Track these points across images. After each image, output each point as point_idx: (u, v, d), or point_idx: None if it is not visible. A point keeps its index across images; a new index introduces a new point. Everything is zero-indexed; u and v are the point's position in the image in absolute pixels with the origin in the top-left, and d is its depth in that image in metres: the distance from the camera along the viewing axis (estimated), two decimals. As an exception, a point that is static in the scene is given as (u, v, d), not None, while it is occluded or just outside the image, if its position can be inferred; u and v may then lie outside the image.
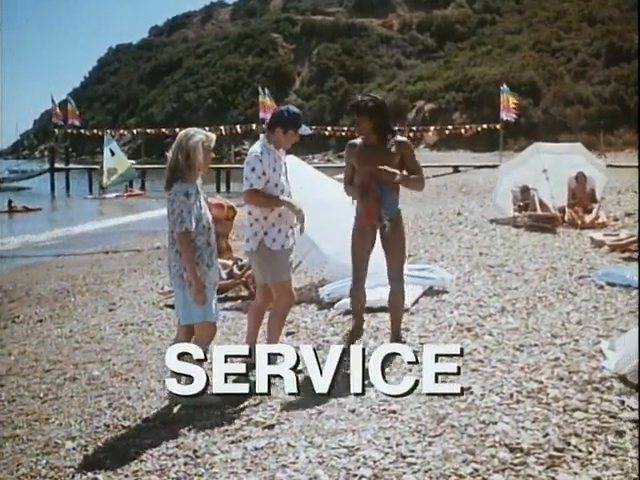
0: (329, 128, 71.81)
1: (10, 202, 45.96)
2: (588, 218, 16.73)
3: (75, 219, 39.95)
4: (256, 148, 7.08)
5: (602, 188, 18.64)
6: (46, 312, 13.85)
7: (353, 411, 6.10)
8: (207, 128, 49.14)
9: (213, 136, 6.78)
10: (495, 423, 5.47)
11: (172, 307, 12.27)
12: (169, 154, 6.63)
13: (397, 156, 7.26)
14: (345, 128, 75.60)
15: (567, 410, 5.61)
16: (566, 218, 17.02)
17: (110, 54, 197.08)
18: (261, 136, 7.27)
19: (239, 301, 11.81)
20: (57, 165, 70.22)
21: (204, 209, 6.67)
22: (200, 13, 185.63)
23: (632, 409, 5.57)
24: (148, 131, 70.32)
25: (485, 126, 61.02)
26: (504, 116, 54.59)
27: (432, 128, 75.40)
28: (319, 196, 11.26)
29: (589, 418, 5.44)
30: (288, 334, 8.99)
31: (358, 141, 7.47)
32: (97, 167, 62.15)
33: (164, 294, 13.60)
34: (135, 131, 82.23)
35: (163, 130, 71.12)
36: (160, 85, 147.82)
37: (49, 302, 15.07)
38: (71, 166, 72.05)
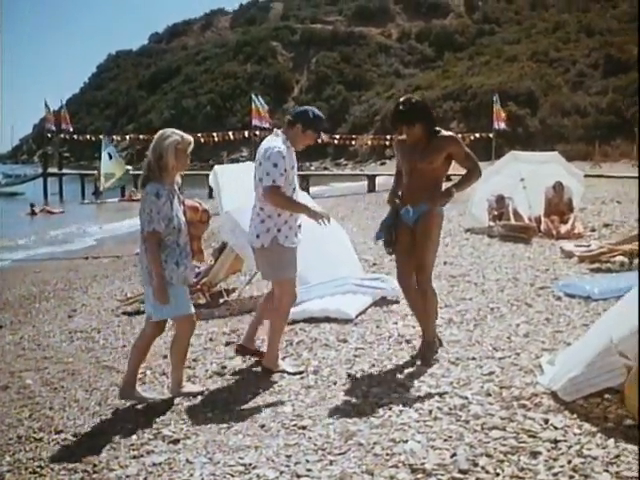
0: (327, 136, 71.34)
1: (32, 205, 46.72)
2: (564, 228, 16.47)
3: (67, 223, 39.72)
4: (277, 144, 6.99)
5: (580, 198, 18.39)
6: (9, 318, 13.66)
7: (263, 426, 5.87)
8: (199, 135, 49.10)
9: (189, 138, 6.66)
10: (405, 441, 5.18)
11: (129, 314, 12.12)
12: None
13: (441, 153, 7.11)
14: (342, 136, 75.65)
15: (485, 428, 5.32)
16: (542, 228, 16.77)
17: (110, 60, 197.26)
18: (278, 132, 7.23)
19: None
20: (50, 170, 69.75)
21: (176, 210, 6.59)
22: (200, 20, 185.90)
23: (555, 428, 5.27)
24: (141, 137, 69.69)
25: (478, 135, 60.71)
26: (497, 125, 54.34)
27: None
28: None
29: (506, 437, 5.14)
30: (228, 343, 8.79)
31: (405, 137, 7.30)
32: (91, 172, 62.03)
33: (122, 301, 13.38)
34: (128, 137, 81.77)
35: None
36: (159, 92, 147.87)
37: (14, 308, 14.90)
38: (64, 171, 71.48)
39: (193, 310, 6.93)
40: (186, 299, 6.83)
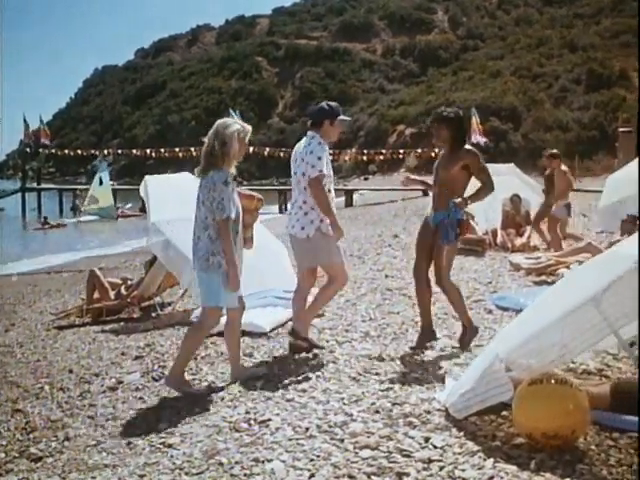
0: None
1: (45, 218, 47.01)
2: (519, 241, 16.20)
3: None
4: (314, 141, 7.47)
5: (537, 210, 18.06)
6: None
7: (129, 444, 5.56)
8: (178, 149, 48.99)
9: (249, 128, 6.90)
10: (270, 461, 4.87)
11: (61, 328, 11.78)
12: (205, 141, 6.78)
13: (459, 163, 7.58)
14: (330, 152, 75.44)
15: (357, 447, 4.98)
16: (498, 241, 16.50)
17: (96, 75, 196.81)
18: (310, 133, 7.59)
19: (122, 323, 11.25)
20: (29, 185, 69.24)
21: (236, 198, 6.79)
22: (186, 36, 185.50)
23: (434, 447, 4.98)
24: (120, 151, 69.79)
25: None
26: (475, 139, 54.14)
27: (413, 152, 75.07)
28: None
29: (376, 457, 4.83)
30: (137, 357, 8.50)
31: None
32: (70, 188, 61.53)
33: (56, 314, 13.07)
34: (106, 151, 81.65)
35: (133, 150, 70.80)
36: (144, 107, 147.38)
37: (-41, 320, 14.50)
38: (43, 186, 70.94)
39: (236, 303, 7.00)
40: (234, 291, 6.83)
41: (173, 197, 11.16)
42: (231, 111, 56.31)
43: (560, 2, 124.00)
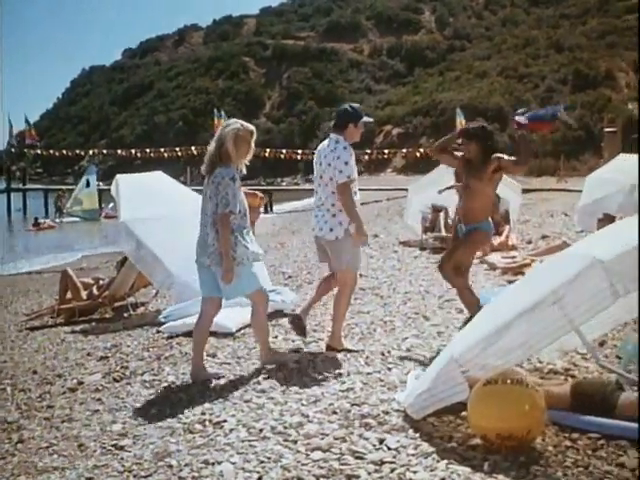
0: (299, 151, 71.29)
1: (36, 219, 46.54)
2: (498, 240, 16.07)
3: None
4: (340, 145, 7.49)
5: (517, 210, 18.03)
6: None
7: (81, 446, 5.46)
8: (163, 150, 48.90)
9: (250, 127, 7.07)
10: (220, 463, 4.78)
11: (32, 329, 11.68)
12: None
13: (488, 167, 7.84)
14: (314, 152, 75.38)
15: (308, 449, 4.90)
16: (476, 240, 16.38)
17: (83, 75, 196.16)
18: (334, 136, 7.60)
19: (93, 323, 11.14)
20: (14, 186, 68.93)
21: (242, 195, 6.99)
22: (173, 36, 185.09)
23: (388, 449, 4.89)
24: (105, 152, 69.67)
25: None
26: (460, 140, 54.03)
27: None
28: (172, 210, 10.74)
29: (327, 459, 4.75)
30: (102, 358, 8.39)
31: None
32: (55, 188, 61.15)
33: (28, 315, 12.97)
34: (91, 152, 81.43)
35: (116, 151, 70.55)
36: (131, 107, 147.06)
37: None
38: (27, 186, 70.63)
39: (264, 283, 7.24)
40: (257, 274, 7.08)
41: (145, 196, 11.10)
42: (215, 111, 56.35)
43: (546, 2, 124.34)
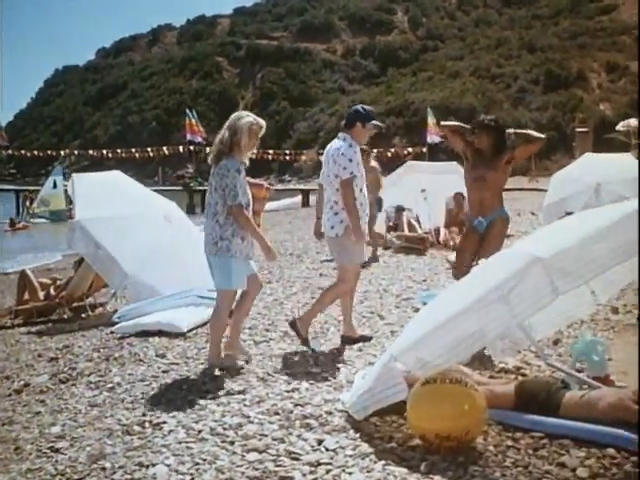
0: (272, 152, 71.03)
1: (12, 219, 45.57)
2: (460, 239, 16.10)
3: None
4: (345, 143, 7.67)
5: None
6: None
7: (17, 449, 5.39)
8: (134, 150, 48.52)
9: (263, 122, 7.15)
10: (154, 465, 4.72)
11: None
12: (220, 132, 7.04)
13: (502, 157, 7.83)
14: (287, 152, 75.28)
15: (244, 450, 4.84)
16: (441, 239, 16.44)
17: (57, 76, 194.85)
18: (341, 134, 7.80)
19: (49, 324, 11.00)
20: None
21: (247, 187, 7.02)
22: (147, 36, 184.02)
23: (326, 450, 4.86)
24: (77, 152, 69.27)
25: (410, 149, 60.67)
26: (430, 139, 54.20)
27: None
28: (129, 210, 10.65)
29: (263, 460, 4.71)
30: (51, 359, 8.27)
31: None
32: (24, 189, 60.70)
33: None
34: (63, 152, 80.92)
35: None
36: (105, 107, 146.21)
37: None
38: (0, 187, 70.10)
39: (242, 286, 7.15)
40: (240, 274, 7.05)
41: (101, 196, 11.00)
42: (187, 111, 56.21)
43: (519, 3, 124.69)
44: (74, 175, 11.69)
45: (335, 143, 7.80)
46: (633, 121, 43.05)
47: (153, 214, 11.07)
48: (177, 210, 11.91)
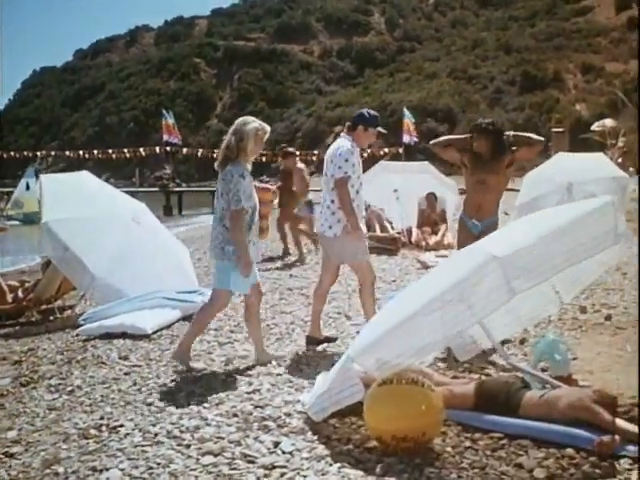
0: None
1: None
2: (433, 239, 16.15)
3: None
4: (345, 143, 7.68)
5: (453, 208, 18.00)
6: None
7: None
8: (111, 151, 48.29)
9: (267, 127, 7.22)
10: (108, 469, 4.68)
11: None
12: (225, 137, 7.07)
13: (504, 159, 7.84)
14: (266, 153, 75.08)
15: (200, 453, 4.80)
16: (413, 239, 16.44)
17: (34, 77, 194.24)
18: (343, 135, 7.85)
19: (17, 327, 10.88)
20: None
21: (253, 191, 7.04)
22: (124, 37, 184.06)
23: (283, 452, 4.83)
24: (53, 153, 69.00)
25: (387, 150, 60.69)
26: (406, 139, 54.27)
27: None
28: (96, 211, 10.55)
29: (217, 463, 4.68)
30: (16, 362, 8.16)
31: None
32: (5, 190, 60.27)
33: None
34: (39, 153, 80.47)
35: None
36: (83, 108, 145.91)
37: None
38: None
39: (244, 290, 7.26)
40: (248, 280, 7.09)
41: (69, 197, 10.87)
42: (164, 112, 56.01)
43: (495, 5, 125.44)
44: (42, 176, 11.58)
45: (335, 143, 7.84)
46: (608, 121, 43.40)
47: (121, 215, 10.96)
48: (146, 211, 11.77)
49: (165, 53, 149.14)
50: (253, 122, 7.04)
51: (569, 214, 5.39)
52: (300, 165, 15.16)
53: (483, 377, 6.15)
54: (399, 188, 17.50)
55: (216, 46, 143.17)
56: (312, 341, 7.89)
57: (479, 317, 4.92)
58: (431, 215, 17.06)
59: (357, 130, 7.75)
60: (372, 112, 7.95)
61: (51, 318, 11.27)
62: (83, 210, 10.68)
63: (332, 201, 7.69)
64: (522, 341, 7.56)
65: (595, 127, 43.19)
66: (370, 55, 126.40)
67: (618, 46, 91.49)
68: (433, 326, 4.81)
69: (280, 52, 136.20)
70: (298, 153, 19.52)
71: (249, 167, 7.08)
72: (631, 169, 30.01)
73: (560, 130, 55.97)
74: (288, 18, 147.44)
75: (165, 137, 54.78)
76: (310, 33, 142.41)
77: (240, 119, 7.14)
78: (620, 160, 27.65)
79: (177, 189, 55.78)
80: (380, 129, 7.93)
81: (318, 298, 8.08)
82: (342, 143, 7.71)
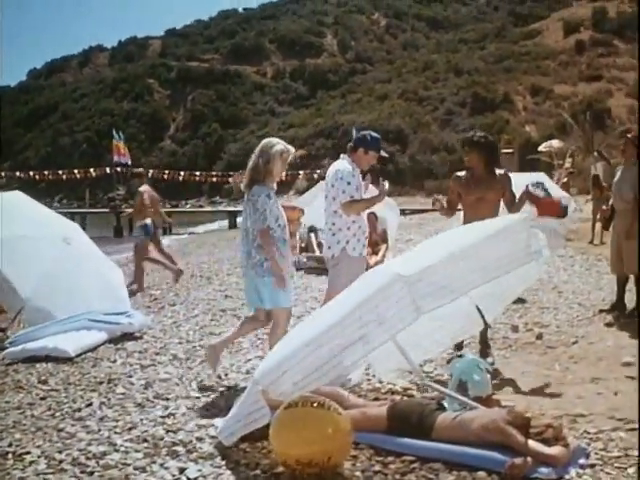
0: (197, 173, 70.68)
1: None
2: (373, 259, 16.03)
3: None
4: (346, 165, 7.75)
5: (395, 228, 18.04)
6: None
7: None
8: (61, 172, 47.72)
9: (292, 149, 7.39)
10: None
11: None
12: (251, 159, 7.22)
13: (497, 185, 7.81)
14: (219, 174, 74.89)
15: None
16: (353, 260, 16.35)
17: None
18: (343, 156, 7.95)
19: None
20: None
21: (280, 210, 7.20)
22: (79, 57, 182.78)
23: (188, 479, 4.75)
24: (3, 174, 68.26)
25: (319, 171, 61.06)
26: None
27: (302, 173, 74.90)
28: (27, 231, 10.37)
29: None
30: None
31: (462, 173, 8.00)
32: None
33: None
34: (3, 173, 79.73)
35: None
36: (36, 129, 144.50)
37: None
38: None
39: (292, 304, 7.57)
40: (291, 291, 7.51)
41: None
42: (114, 132, 55.60)
43: (446, 28, 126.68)
44: (-9, 193, 11.41)
45: (335, 165, 7.91)
46: (555, 142, 43.90)
47: (52, 236, 10.79)
48: (78, 232, 11.64)
49: (119, 73, 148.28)
50: (278, 144, 7.20)
51: (481, 231, 5.39)
52: (143, 187, 14.78)
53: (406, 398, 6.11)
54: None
55: (170, 67, 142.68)
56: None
57: (387, 336, 4.85)
58: (372, 235, 17.00)
59: (358, 152, 7.82)
60: (374, 135, 7.98)
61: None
62: (12, 230, 10.49)
63: (333, 223, 7.84)
64: (449, 361, 7.53)
65: (542, 148, 43.68)
66: (322, 76, 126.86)
67: (566, 68, 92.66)
68: (339, 347, 4.72)
69: (233, 73, 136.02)
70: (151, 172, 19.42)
71: (274, 187, 7.23)
72: (574, 190, 30.46)
73: (509, 151, 56.30)
74: (241, 39, 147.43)
75: (115, 158, 54.35)
76: (263, 54, 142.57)
77: (265, 141, 7.32)
78: (565, 180, 27.86)
79: (130, 210, 55.32)
80: (383, 153, 7.99)
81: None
82: (342, 166, 7.78)
